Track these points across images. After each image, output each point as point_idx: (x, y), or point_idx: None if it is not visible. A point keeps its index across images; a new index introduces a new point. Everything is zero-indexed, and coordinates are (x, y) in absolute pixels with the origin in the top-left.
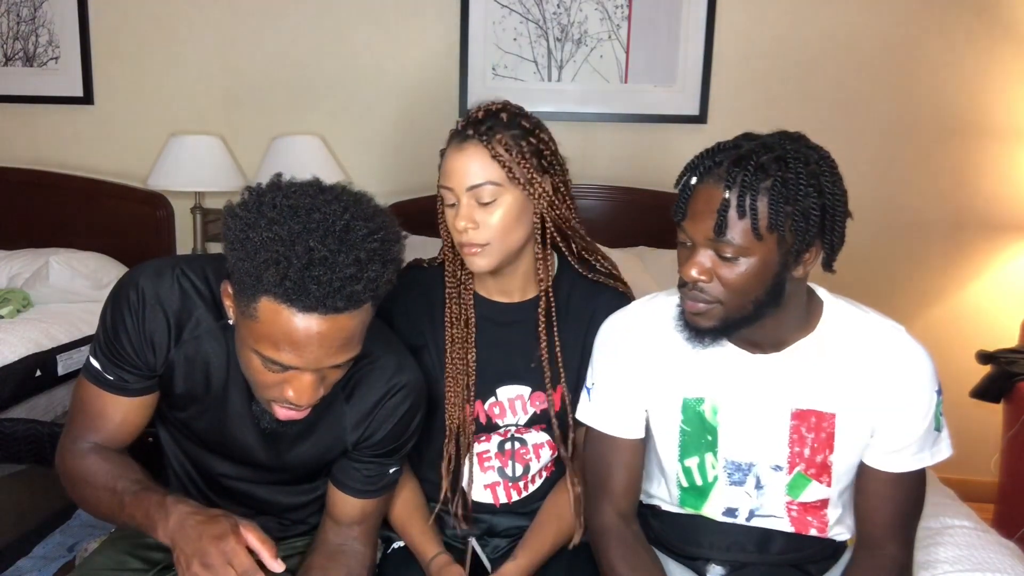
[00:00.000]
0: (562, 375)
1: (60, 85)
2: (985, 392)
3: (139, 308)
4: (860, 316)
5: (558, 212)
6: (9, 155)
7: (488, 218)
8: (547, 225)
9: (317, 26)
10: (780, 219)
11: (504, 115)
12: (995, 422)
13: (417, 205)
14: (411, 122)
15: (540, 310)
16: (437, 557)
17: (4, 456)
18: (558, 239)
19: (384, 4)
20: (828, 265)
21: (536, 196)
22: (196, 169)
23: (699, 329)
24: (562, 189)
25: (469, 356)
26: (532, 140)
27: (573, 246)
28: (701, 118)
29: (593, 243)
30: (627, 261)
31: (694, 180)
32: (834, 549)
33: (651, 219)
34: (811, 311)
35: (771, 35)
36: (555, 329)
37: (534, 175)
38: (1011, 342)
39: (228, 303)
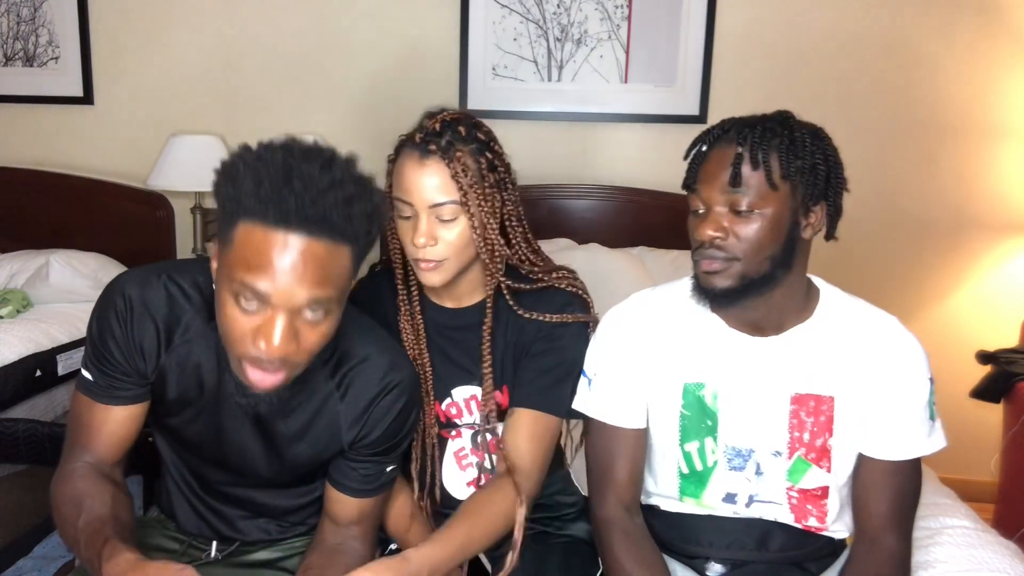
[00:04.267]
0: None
1: (60, 85)
2: (985, 392)
3: (127, 315)
4: (855, 304)
5: (507, 234)
6: (9, 155)
7: (447, 235)
8: (496, 241)
9: (317, 26)
10: (791, 170)
11: (462, 128)
12: (995, 422)
13: None
14: (411, 122)
15: (486, 324)
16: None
17: (4, 456)
18: (506, 251)
19: (384, 4)
20: (830, 233)
21: (482, 224)
22: (196, 169)
23: (715, 291)
24: (511, 203)
25: (423, 360)
26: (488, 155)
27: (521, 260)
28: (701, 118)
29: (540, 252)
30: (627, 261)
31: (704, 148)
32: (833, 547)
33: (651, 219)
34: (809, 297)
35: (771, 35)
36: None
37: (486, 194)
38: (1011, 342)
39: (214, 264)
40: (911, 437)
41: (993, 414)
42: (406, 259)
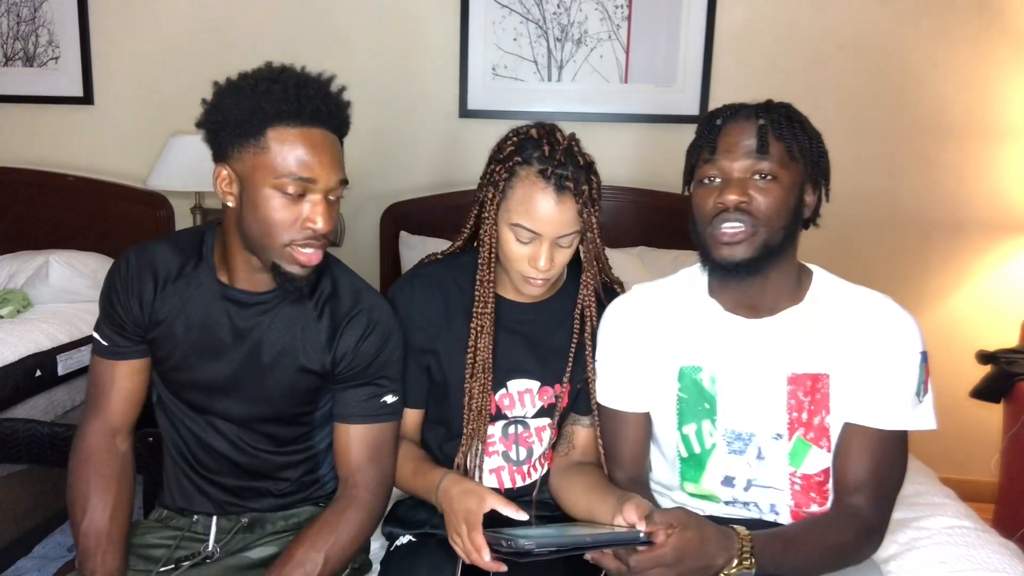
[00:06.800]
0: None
1: (60, 85)
2: (985, 392)
3: (127, 272)
4: (846, 286)
5: (598, 246)
6: (9, 155)
7: (560, 257)
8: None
9: (317, 26)
10: (804, 147)
11: (580, 158)
12: (995, 422)
13: (416, 205)
14: (410, 122)
15: (587, 329)
16: (445, 477)
17: (4, 456)
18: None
19: (384, 4)
20: (813, 218)
21: (590, 243)
22: (196, 169)
23: (735, 261)
24: (597, 220)
25: (487, 351)
26: (594, 177)
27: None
28: (701, 118)
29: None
30: (627, 261)
31: (719, 121)
32: None
33: (651, 219)
34: (801, 281)
35: (771, 35)
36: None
37: (596, 217)
38: (1011, 342)
39: (224, 187)
40: (896, 407)
41: (993, 414)
42: (492, 257)
